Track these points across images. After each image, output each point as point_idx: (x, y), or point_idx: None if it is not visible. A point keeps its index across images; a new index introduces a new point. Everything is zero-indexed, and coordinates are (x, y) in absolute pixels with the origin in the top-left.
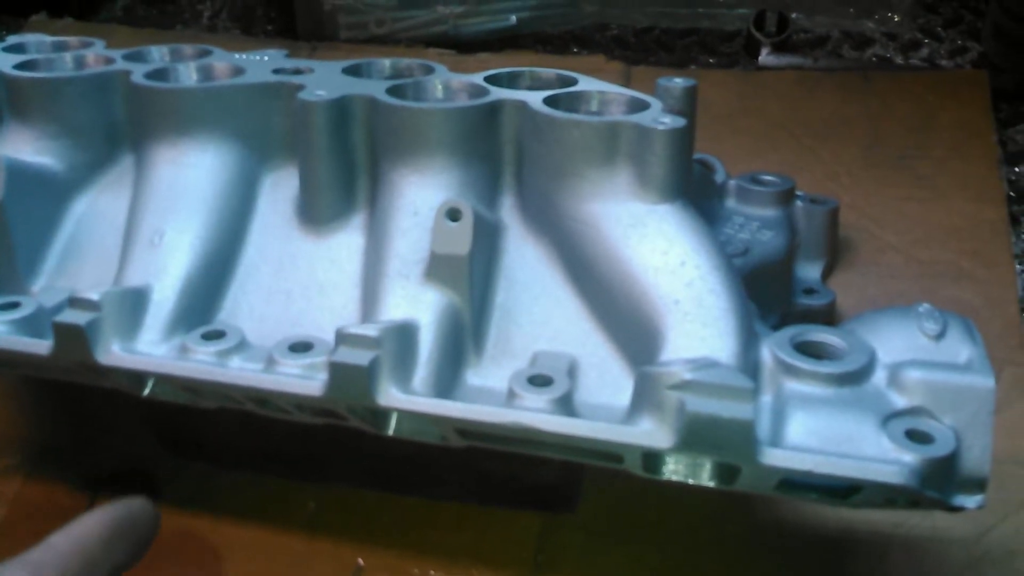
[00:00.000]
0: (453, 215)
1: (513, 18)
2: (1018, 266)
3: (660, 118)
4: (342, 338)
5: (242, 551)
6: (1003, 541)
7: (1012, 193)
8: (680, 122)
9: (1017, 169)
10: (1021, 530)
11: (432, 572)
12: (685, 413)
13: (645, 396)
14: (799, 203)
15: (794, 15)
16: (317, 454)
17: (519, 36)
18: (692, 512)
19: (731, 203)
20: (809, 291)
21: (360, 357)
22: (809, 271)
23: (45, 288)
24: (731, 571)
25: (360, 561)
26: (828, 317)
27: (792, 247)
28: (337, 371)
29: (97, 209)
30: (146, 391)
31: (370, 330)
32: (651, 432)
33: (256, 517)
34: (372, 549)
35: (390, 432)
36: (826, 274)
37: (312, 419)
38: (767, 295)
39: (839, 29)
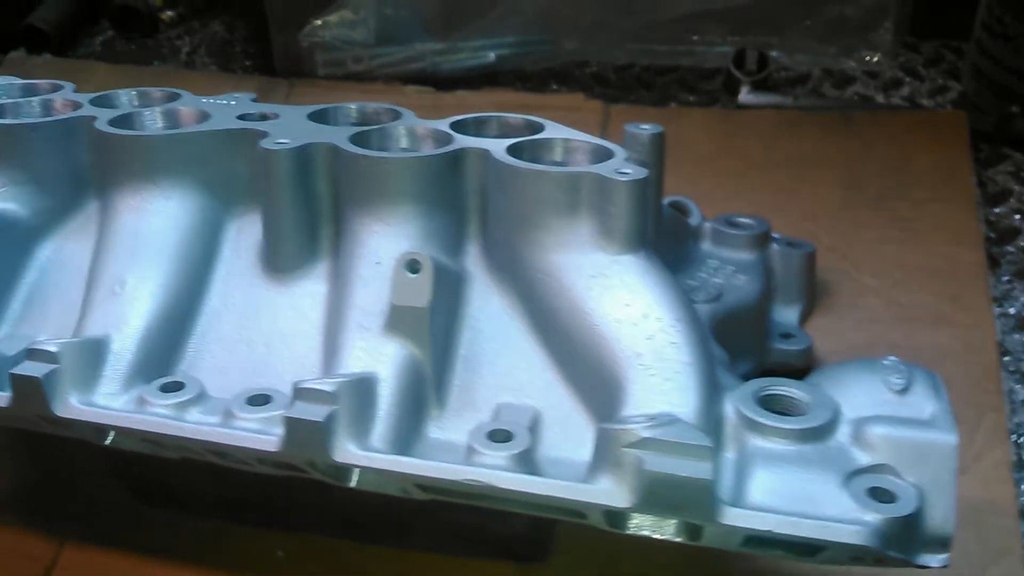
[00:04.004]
0: (412, 267)
1: (492, 55)
2: (996, 309)
3: (622, 168)
4: (299, 392)
5: None
6: None
7: (992, 234)
8: (642, 173)
9: (996, 210)
10: None
11: None
12: (642, 472)
13: (604, 453)
14: (775, 246)
15: (775, 53)
16: (286, 503)
17: (498, 73)
18: (667, 563)
19: (706, 246)
20: (786, 336)
21: (316, 412)
22: (786, 315)
23: (7, 336)
24: None
25: None
26: (805, 362)
27: (767, 292)
28: (293, 427)
29: (61, 256)
30: (108, 441)
31: (326, 385)
32: (609, 491)
33: (223, 566)
34: None
35: (352, 484)
36: (804, 318)
37: (274, 471)
38: (741, 340)
39: (820, 67)
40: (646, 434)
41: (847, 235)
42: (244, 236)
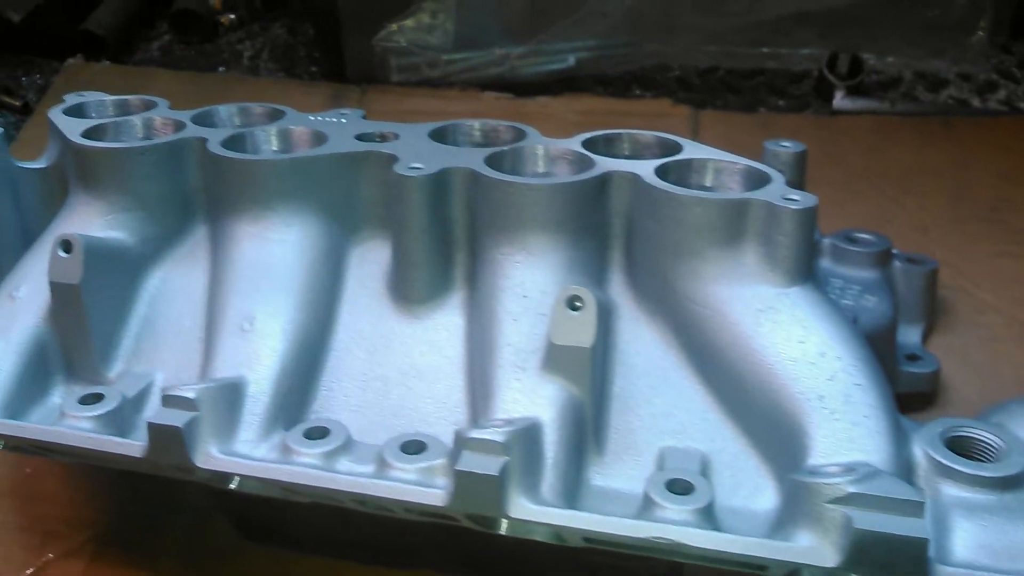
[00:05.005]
0: (573, 303)
1: (572, 59)
2: None
3: (788, 195)
4: (465, 442)
5: None
6: None
7: None
8: (811, 201)
9: None
10: None
11: None
12: (852, 530)
13: (800, 508)
14: (896, 263)
15: (864, 55)
16: (407, 542)
17: (578, 77)
18: None
19: (825, 263)
20: (912, 357)
21: (488, 465)
22: (909, 335)
23: (122, 373)
24: None
25: None
26: (933, 386)
27: (897, 313)
28: (464, 480)
29: (171, 286)
30: (232, 485)
31: (496, 434)
32: (813, 549)
33: None
34: None
35: (501, 532)
36: (925, 337)
37: (419, 519)
38: None
39: (911, 70)
40: (852, 488)
41: (960, 248)
42: (367, 264)
